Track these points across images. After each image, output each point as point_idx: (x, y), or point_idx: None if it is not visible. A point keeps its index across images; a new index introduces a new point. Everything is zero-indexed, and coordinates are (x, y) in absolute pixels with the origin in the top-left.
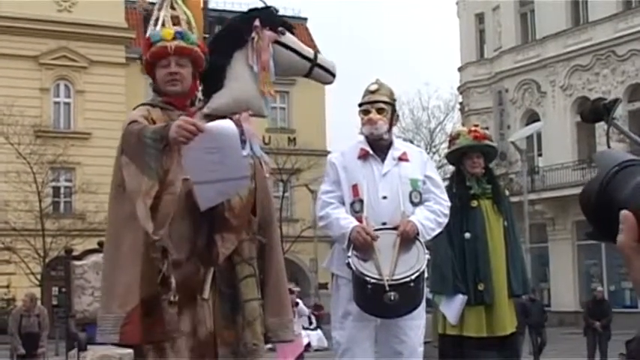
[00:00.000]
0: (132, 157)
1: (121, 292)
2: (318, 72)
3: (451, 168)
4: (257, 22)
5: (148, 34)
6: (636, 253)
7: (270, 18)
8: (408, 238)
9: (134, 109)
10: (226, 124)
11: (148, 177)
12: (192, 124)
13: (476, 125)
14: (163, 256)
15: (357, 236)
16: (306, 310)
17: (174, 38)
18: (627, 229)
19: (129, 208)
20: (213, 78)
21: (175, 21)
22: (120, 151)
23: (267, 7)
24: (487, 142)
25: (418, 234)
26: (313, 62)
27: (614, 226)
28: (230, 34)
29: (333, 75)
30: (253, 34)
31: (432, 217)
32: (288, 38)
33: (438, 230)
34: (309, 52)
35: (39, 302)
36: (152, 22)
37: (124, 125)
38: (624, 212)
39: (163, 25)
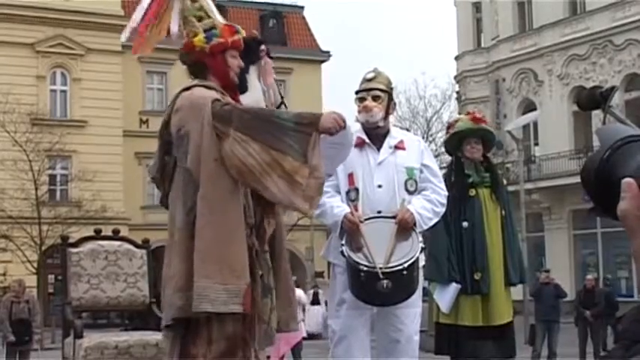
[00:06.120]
0: (253, 134)
1: (236, 263)
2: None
3: (448, 158)
4: (264, 47)
5: (227, 23)
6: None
7: (268, 48)
8: (406, 227)
9: (186, 89)
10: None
11: (293, 157)
12: (344, 120)
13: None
14: (252, 232)
15: (345, 222)
16: (305, 299)
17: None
18: (631, 196)
19: (230, 182)
20: (238, 79)
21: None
22: (211, 127)
23: (263, 40)
24: (485, 126)
25: (415, 224)
26: (282, 99)
27: (615, 200)
28: (244, 51)
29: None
30: (262, 55)
31: (429, 206)
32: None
33: (436, 220)
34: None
35: (34, 291)
36: (199, 11)
37: (203, 102)
38: (627, 179)
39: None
